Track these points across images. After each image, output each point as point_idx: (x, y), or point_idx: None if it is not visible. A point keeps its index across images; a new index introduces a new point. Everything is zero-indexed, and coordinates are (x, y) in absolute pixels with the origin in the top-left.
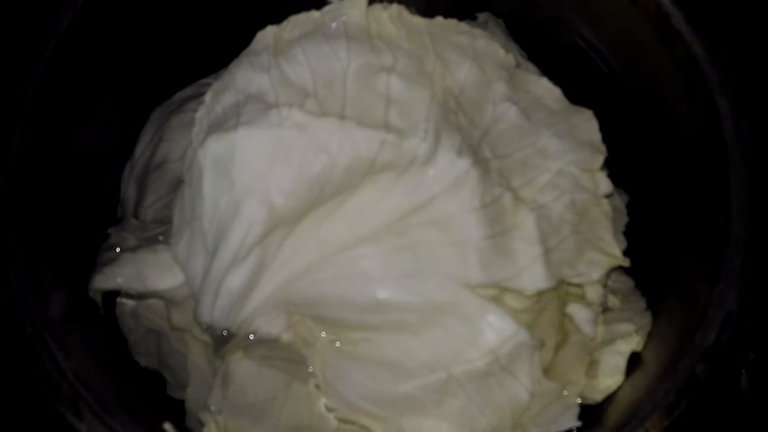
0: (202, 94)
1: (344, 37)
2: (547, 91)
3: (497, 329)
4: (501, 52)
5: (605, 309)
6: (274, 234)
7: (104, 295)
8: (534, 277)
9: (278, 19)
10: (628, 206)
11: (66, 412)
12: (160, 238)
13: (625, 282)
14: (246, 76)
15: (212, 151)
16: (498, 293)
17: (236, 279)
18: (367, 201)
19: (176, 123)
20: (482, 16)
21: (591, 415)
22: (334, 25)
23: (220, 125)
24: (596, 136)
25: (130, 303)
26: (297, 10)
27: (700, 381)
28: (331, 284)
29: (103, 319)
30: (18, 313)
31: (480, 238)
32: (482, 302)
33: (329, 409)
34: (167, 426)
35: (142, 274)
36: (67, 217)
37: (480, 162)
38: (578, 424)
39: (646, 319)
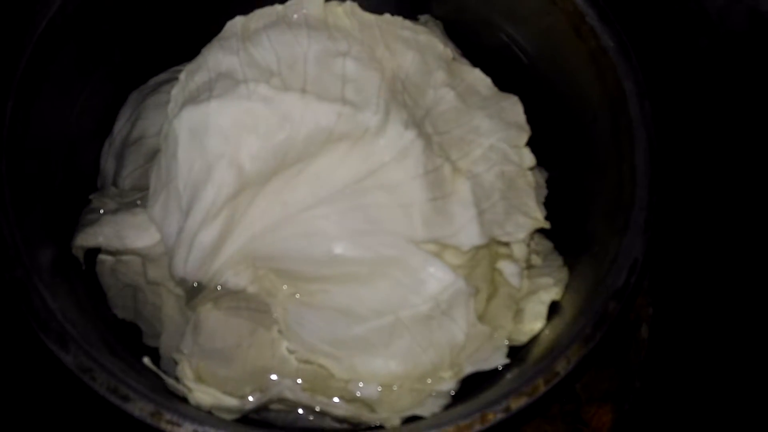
0: (176, 78)
1: (305, 26)
2: (479, 79)
3: (438, 278)
4: (440, 46)
5: (529, 266)
6: (243, 195)
7: (86, 253)
8: (469, 235)
9: (245, 12)
10: (548, 182)
11: (54, 347)
12: (138, 202)
13: (545, 244)
14: (217, 58)
15: (187, 121)
16: (439, 250)
17: (207, 235)
18: (325, 167)
19: (152, 103)
20: (423, 18)
21: (517, 354)
22: (295, 16)
23: (193, 99)
24: (521, 117)
25: (109, 260)
26: (262, 4)
27: (612, 317)
28: (292, 241)
29: (85, 275)
30: (10, 257)
31: (423, 201)
32: (425, 255)
33: (290, 351)
34: (146, 360)
35: (121, 233)
36: (53, 184)
37: (423, 135)
38: (506, 361)
39: (564, 273)
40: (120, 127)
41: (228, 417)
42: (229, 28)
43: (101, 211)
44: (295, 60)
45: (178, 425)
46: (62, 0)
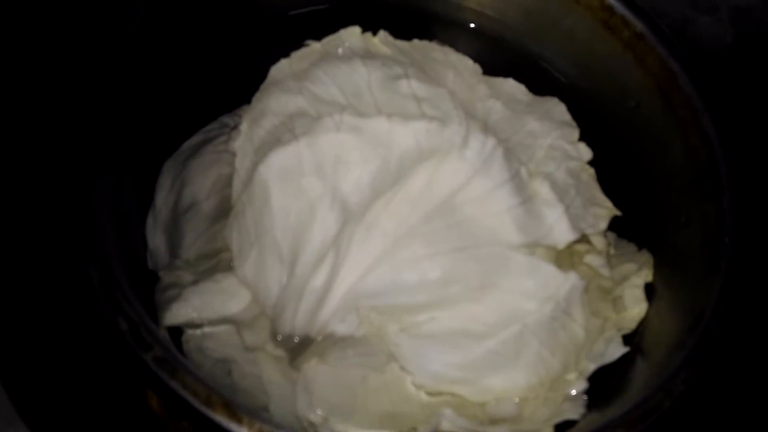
0: (212, 139)
1: (357, 57)
2: (515, 87)
3: (551, 278)
4: (471, 62)
5: (609, 255)
6: (345, 232)
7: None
8: (562, 232)
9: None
10: None
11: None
12: (215, 268)
13: (610, 234)
14: (280, 101)
15: (277, 164)
16: (531, 252)
17: (317, 282)
18: (417, 188)
19: (196, 167)
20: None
21: (632, 341)
22: (340, 50)
23: (273, 144)
24: (567, 115)
25: (196, 337)
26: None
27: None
28: (393, 273)
29: None
30: (144, 338)
31: (513, 206)
32: (529, 259)
33: (418, 387)
34: None
35: (211, 302)
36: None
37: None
38: (626, 349)
39: (646, 256)
40: (163, 199)
41: None
42: (277, 71)
43: (178, 287)
44: (359, 89)
45: None
46: None
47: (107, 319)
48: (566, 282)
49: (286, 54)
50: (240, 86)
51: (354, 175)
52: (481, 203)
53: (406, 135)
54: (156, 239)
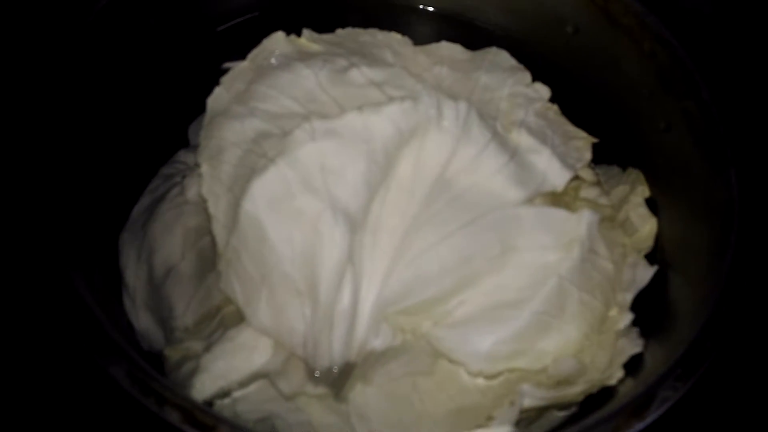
0: (162, 196)
1: (293, 61)
2: (451, 49)
3: (566, 222)
4: (399, 36)
5: (601, 184)
6: (354, 243)
7: None
8: (557, 174)
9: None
10: None
11: None
12: (220, 329)
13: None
14: (234, 130)
15: (261, 195)
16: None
17: (344, 302)
18: (407, 174)
19: (157, 230)
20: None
21: (656, 258)
22: (273, 60)
23: (247, 175)
24: (512, 60)
25: (227, 406)
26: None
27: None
28: (410, 269)
29: None
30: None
31: (504, 164)
32: (537, 210)
33: (474, 374)
34: None
35: (233, 364)
36: None
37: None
38: (655, 268)
39: (634, 173)
40: (133, 275)
41: None
42: (214, 103)
43: (191, 359)
44: (312, 93)
45: None
46: None
47: (152, 415)
48: (581, 221)
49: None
50: (168, 132)
51: (347, 181)
52: (472, 171)
53: (383, 123)
54: (141, 320)
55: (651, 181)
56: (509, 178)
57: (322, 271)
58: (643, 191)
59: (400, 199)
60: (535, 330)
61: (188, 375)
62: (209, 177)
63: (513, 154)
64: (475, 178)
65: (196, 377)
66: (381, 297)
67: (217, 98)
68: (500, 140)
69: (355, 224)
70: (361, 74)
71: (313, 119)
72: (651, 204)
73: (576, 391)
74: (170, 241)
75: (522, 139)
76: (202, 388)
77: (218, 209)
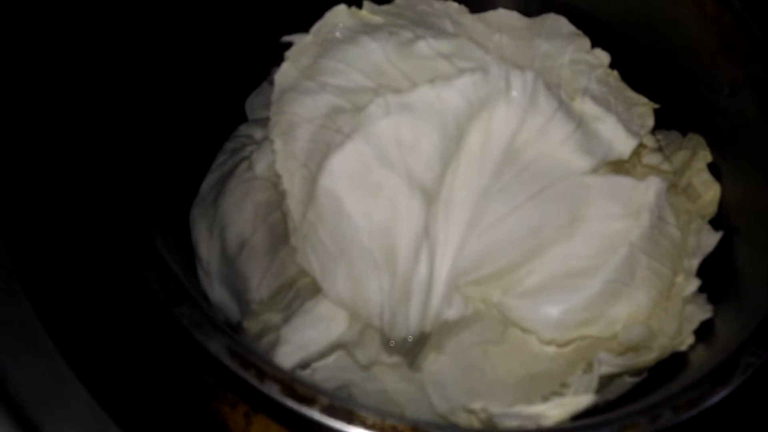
0: (231, 171)
1: (360, 34)
2: (509, 16)
3: (634, 190)
4: (455, 4)
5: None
6: (429, 216)
7: None
8: (622, 141)
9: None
10: None
11: None
12: (297, 300)
13: None
14: (307, 106)
15: (340, 171)
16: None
17: (422, 274)
18: (476, 146)
19: (229, 205)
20: None
21: (721, 223)
22: (337, 34)
23: (323, 151)
24: (571, 26)
25: (306, 376)
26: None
27: None
28: (482, 240)
29: None
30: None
31: (571, 133)
32: (606, 179)
33: (546, 342)
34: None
35: (313, 335)
36: None
37: None
38: (720, 234)
39: (695, 138)
40: (206, 249)
41: None
42: (283, 77)
43: (270, 331)
44: (381, 66)
45: None
46: None
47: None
48: (650, 188)
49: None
50: (227, 104)
51: (422, 154)
52: (539, 140)
53: (455, 95)
54: (216, 293)
55: (713, 147)
56: (576, 147)
57: (400, 243)
58: (705, 156)
59: (470, 171)
60: (605, 298)
61: (270, 346)
62: (282, 153)
63: (579, 122)
64: (542, 148)
65: (279, 348)
66: (455, 268)
67: (285, 73)
68: (566, 109)
69: (430, 196)
70: (428, 46)
71: (387, 94)
72: (713, 169)
73: (649, 357)
74: (241, 215)
75: (586, 107)
76: (285, 359)
77: (293, 185)
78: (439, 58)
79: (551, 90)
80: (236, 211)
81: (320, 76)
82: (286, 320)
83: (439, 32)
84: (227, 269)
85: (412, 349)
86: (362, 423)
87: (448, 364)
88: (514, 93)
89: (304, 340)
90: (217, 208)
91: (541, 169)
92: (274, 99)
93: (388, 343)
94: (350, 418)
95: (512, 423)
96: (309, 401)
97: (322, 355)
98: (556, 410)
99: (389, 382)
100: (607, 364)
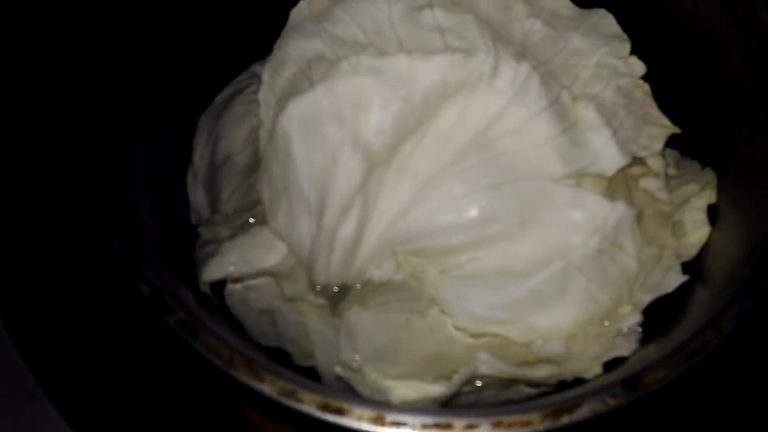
0: (242, 90)
1: None
2: (558, 2)
3: (597, 209)
4: None
5: (667, 177)
6: (372, 177)
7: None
8: (610, 158)
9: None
10: None
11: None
12: (251, 221)
13: (671, 153)
14: (299, 46)
15: (296, 115)
16: (577, 183)
17: (347, 230)
18: (447, 125)
19: (229, 119)
20: None
21: (693, 268)
22: None
23: (292, 93)
24: (616, 27)
25: (238, 290)
26: None
27: None
28: (429, 214)
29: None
30: (166, 302)
31: (554, 135)
32: (573, 191)
33: (459, 329)
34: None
35: (248, 256)
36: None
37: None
38: (685, 278)
39: (709, 174)
40: (200, 154)
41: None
42: (296, 14)
43: (216, 242)
44: (381, 25)
45: (403, 423)
46: None
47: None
48: (614, 212)
49: None
50: (271, 32)
51: (374, 119)
52: (517, 135)
53: (429, 71)
54: (197, 195)
55: (721, 188)
56: (555, 150)
57: (331, 197)
58: (710, 196)
59: (434, 147)
60: (528, 305)
61: (207, 255)
62: (266, 85)
63: (569, 127)
64: (519, 143)
65: (212, 259)
66: (390, 233)
67: (299, 12)
68: (559, 110)
69: (375, 161)
70: (432, 16)
71: (364, 54)
72: (713, 212)
73: (540, 374)
74: (236, 133)
75: (587, 113)
76: (213, 269)
77: (266, 116)
78: (435, 31)
79: (548, 87)
80: (233, 127)
81: (324, 22)
82: (231, 237)
83: (455, 6)
84: (210, 177)
85: (336, 297)
86: None
87: (368, 320)
88: (500, 82)
89: (237, 259)
90: (219, 119)
91: (511, 163)
92: (283, 32)
93: (314, 286)
94: (196, 335)
95: (364, 391)
96: (168, 312)
97: (251, 277)
98: (407, 391)
99: (310, 319)
100: (487, 365)
